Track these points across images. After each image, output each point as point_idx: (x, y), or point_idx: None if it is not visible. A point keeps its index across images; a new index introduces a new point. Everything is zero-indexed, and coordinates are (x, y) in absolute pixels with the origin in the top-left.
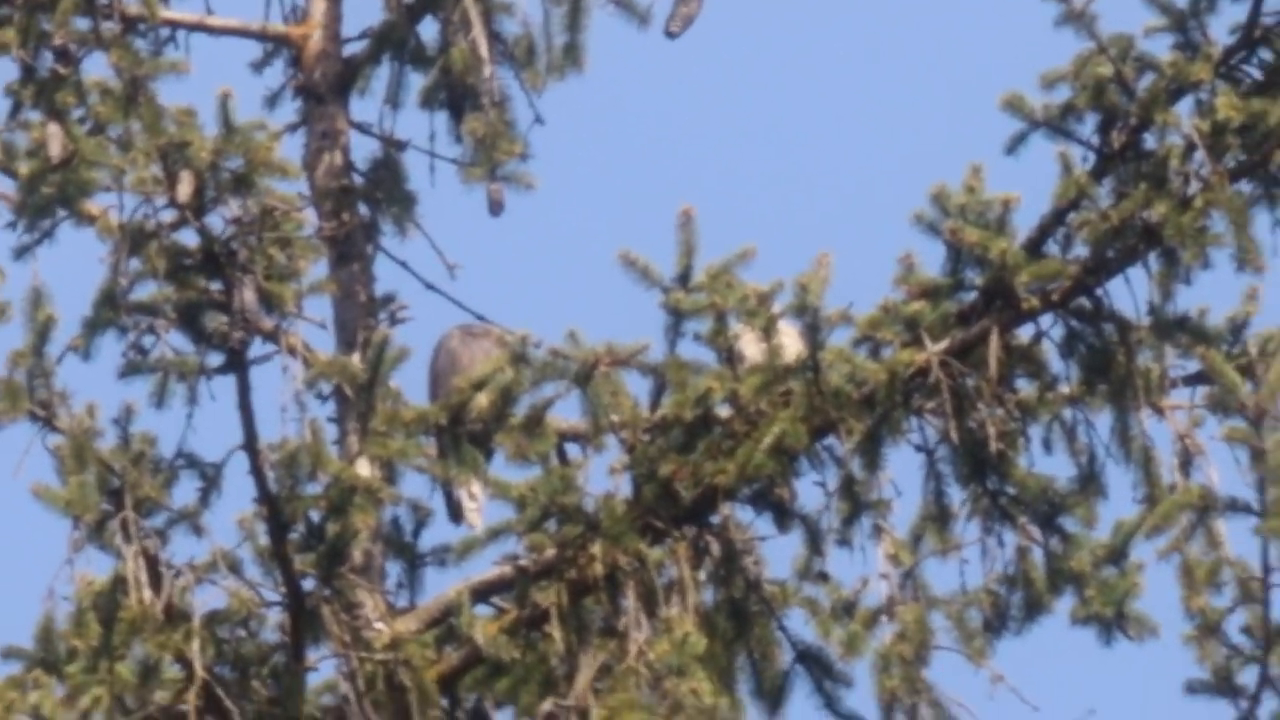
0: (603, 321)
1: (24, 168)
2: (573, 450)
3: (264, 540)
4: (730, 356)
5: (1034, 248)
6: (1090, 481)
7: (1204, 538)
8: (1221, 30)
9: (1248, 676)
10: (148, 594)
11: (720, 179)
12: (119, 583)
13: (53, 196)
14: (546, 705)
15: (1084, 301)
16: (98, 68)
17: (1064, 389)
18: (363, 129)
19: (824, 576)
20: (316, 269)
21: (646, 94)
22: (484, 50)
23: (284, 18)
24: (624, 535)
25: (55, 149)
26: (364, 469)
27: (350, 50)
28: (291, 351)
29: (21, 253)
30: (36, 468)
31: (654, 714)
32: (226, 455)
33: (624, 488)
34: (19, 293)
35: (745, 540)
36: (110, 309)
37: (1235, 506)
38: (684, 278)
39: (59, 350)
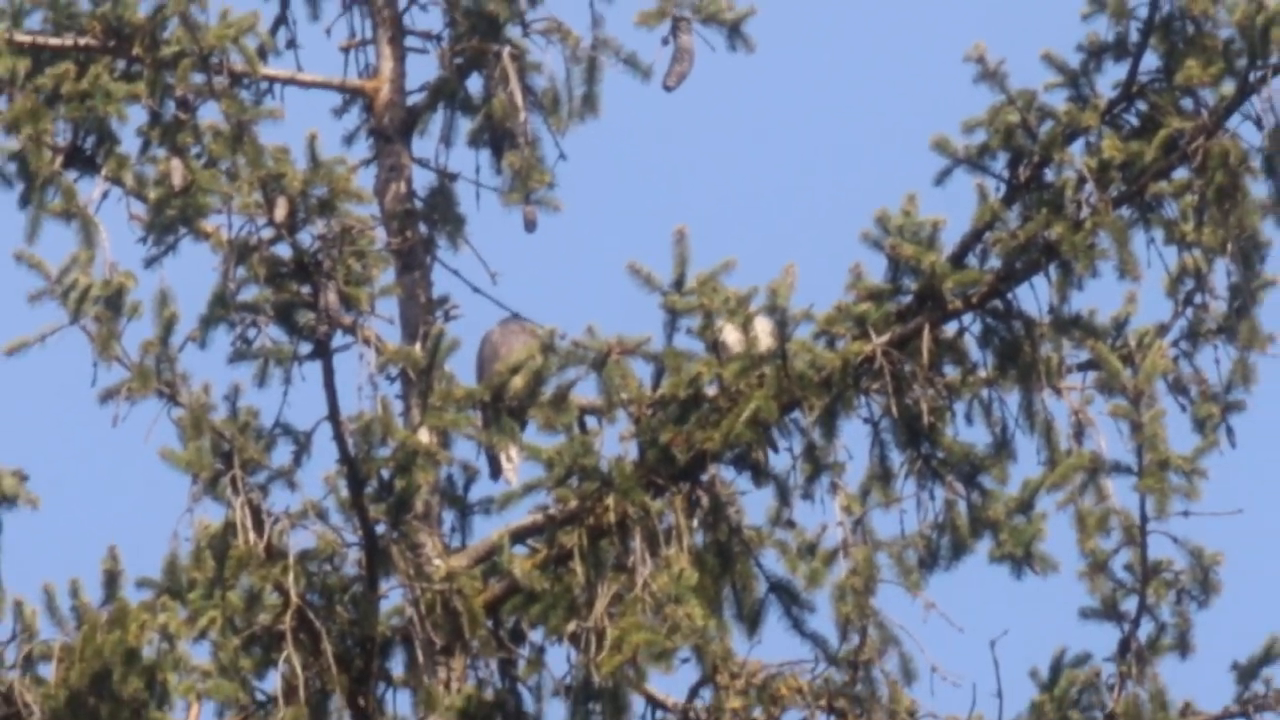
0: (614, 318)
1: (152, 194)
2: (591, 421)
3: (345, 493)
4: (716, 347)
5: (957, 260)
6: (1003, 448)
7: (1094, 493)
8: (1106, 86)
9: (1129, 605)
10: (252, 536)
11: (707, 202)
12: (229, 527)
13: (175, 217)
14: (571, 626)
15: (997, 303)
16: (210, 114)
17: (982, 373)
18: (422, 164)
19: (791, 524)
20: (385, 276)
21: (649, 134)
22: (519, 100)
23: (359, 74)
24: (632, 490)
25: (177, 179)
26: (424, 436)
27: (412, 100)
28: (366, 342)
29: (150, 262)
30: (163, 435)
31: (656, 634)
32: (314, 425)
33: (631, 452)
34: (148, 294)
35: (728, 494)
36: (221, 308)
37: (1118, 468)
38: (679, 283)
39: (180, 340)
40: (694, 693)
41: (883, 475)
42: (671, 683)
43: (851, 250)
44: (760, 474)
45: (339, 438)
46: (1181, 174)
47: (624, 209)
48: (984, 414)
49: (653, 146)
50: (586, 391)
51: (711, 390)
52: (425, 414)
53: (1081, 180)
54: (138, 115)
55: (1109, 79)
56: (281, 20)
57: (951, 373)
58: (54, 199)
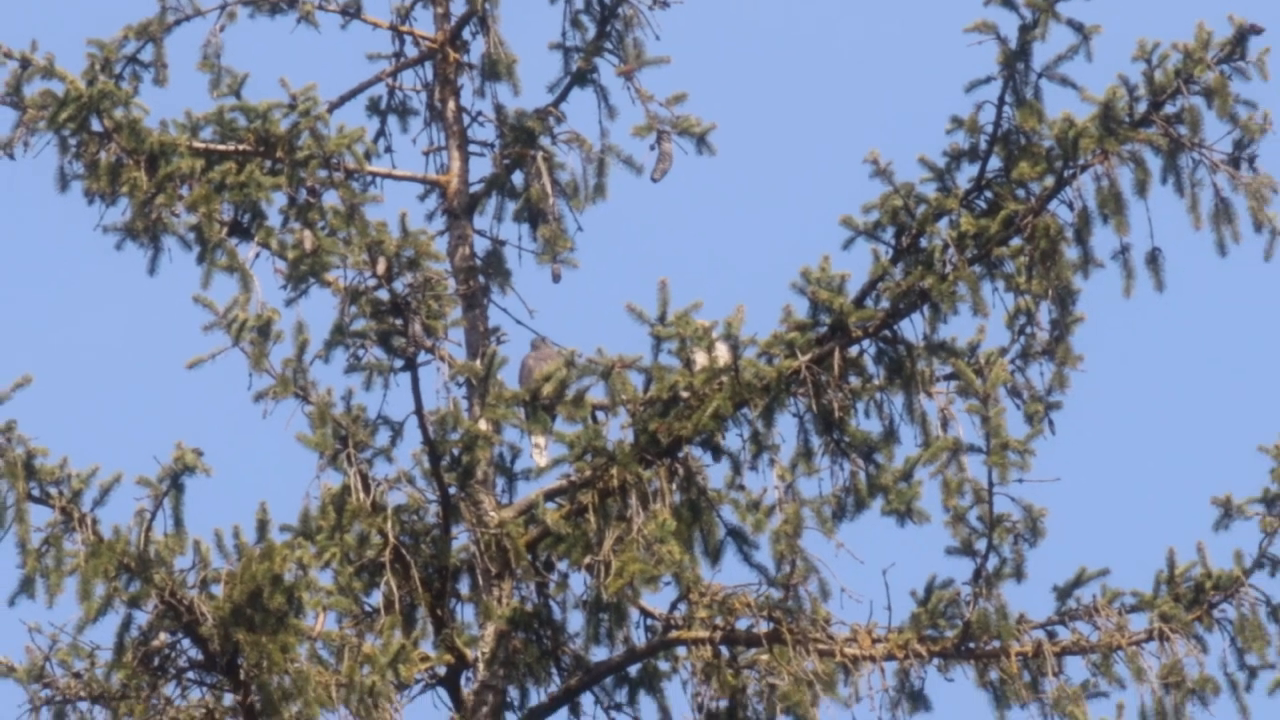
0: (616, 342)
1: (290, 254)
2: (600, 415)
3: (427, 465)
4: (688, 363)
5: (858, 302)
6: (891, 434)
7: (955, 466)
8: (963, 180)
9: (980, 545)
10: (361, 495)
11: (682, 260)
12: (345, 489)
13: (306, 271)
14: (587, 559)
15: (887, 333)
16: (331, 198)
17: (876, 382)
18: (480, 234)
19: (742, 487)
20: (455, 313)
21: (642, 213)
22: (549, 189)
23: (436, 170)
24: (629, 463)
25: (307, 244)
26: (483, 425)
27: (473, 189)
28: (441, 359)
29: (289, 302)
30: (297, 424)
31: (647, 565)
32: (405, 417)
33: (629, 436)
34: (288, 325)
35: (697, 466)
36: (339, 334)
37: (972, 449)
38: (662, 318)
39: (310, 358)
40: (673, 606)
41: (806, 453)
42: (658, 599)
43: (783, 295)
44: (719, 452)
45: (423, 426)
46: (1017, 242)
47: (623, 265)
48: (877, 410)
49: (644, 222)
50: (597, 394)
51: (685, 393)
52: (483, 409)
53: (946, 246)
54: (279, 199)
55: (965, 175)
56: (381, 132)
57: (855, 381)
58: (221, 258)
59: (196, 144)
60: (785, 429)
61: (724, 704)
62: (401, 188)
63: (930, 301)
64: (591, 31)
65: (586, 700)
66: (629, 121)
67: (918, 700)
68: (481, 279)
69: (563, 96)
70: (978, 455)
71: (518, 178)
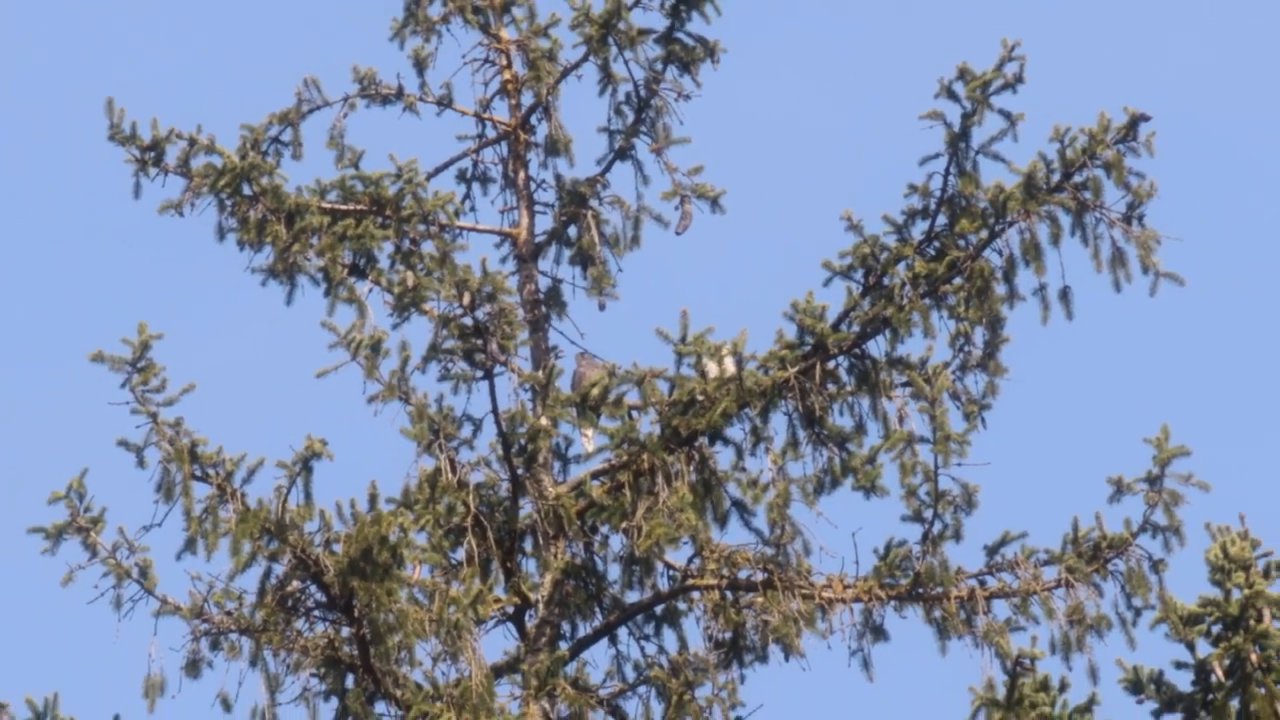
0: (648, 357)
1: (396, 289)
2: (634, 413)
3: (500, 452)
4: (703, 373)
5: (835, 327)
6: (860, 428)
7: (909, 453)
8: (917, 233)
9: (928, 514)
10: (450, 475)
11: (699, 293)
12: (436, 471)
13: (409, 302)
14: (624, 524)
15: (857, 350)
16: (428, 246)
17: (848, 388)
18: (543, 274)
19: (744, 469)
20: (523, 335)
21: (668, 258)
22: (597, 240)
23: (510, 225)
24: (657, 450)
25: (409, 282)
26: (544, 422)
27: (538, 239)
28: (512, 371)
29: (395, 326)
30: (401, 419)
31: (670, 529)
32: (484, 415)
33: (657, 430)
34: (394, 343)
35: (709, 453)
36: (433, 351)
37: (922, 439)
38: (683, 338)
39: (411, 368)
40: (690, 560)
41: (794, 443)
42: (678, 555)
43: (776, 321)
44: (726, 442)
45: (497, 422)
46: (958, 281)
47: (653, 298)
48: (849, 410)
49: (670, 264)
50: (632, 397)
51: (700, 397)
52: (544, 409)
53: (903, 284)
54: (388, 247)
55: (919, 229)
56: (467, 195)
57: (832, 388)
58: (342, 292)
59: (324, 204)
60: (778, 424)
61: (728, 635)
62: (482, 238)
63: (891, 326)
64: (630, 118)
65: (622, 633)
66: (659, 188)
67: (879, 633)
68: (544, 309)
69: (608, 168)
70: (926, 444)
71: (573, 231)
